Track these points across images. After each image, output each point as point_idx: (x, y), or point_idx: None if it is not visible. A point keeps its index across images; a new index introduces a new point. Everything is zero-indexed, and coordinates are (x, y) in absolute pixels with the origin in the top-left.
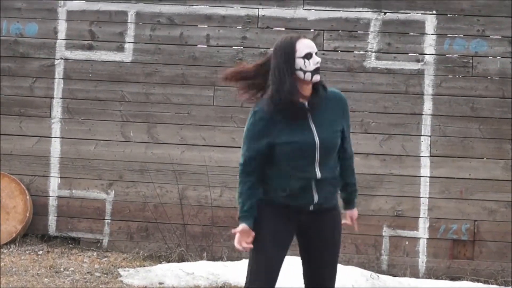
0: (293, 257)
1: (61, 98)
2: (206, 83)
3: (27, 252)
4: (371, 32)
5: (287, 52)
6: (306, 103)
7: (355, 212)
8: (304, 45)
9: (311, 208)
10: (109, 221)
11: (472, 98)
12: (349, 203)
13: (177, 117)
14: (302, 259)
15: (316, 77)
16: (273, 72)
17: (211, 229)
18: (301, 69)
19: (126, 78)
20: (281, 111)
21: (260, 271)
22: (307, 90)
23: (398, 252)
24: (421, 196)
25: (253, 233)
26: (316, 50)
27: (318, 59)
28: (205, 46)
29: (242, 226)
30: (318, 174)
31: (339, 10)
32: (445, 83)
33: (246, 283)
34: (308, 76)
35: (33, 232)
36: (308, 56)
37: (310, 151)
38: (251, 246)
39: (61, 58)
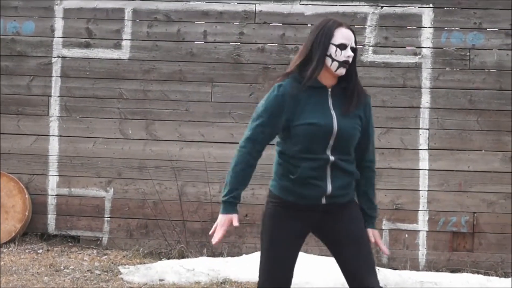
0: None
1: (58, 96)
2: (204, 79)
3: (26, 251)
4: (368, 26)
5: (324, 34)
6: (330, 90)
7: (376, 232)
8: (342, 34)
9: (323, 201)
10: (109, 218)
11: (470, 91)
12: (368, 221)
13: (175, 113)
14: (335, 258)
15: (341, 71)
16: (304, 49)
17: (211, 225)
18: (330, 56)
19: (123, 76)
20: (305, 91)
21: (270, 277)
22: (328, 80)
23: (398, 245)
24: (420, 189)
25: (233, 222)
26: (352, 44)
27: (350, 53)
28: (203, 42)
29: (227, 216)
30: (331, 158)
31: (336, 5)
32: (442, 76)
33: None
34: (334, 65)
35: (32, 231)
36: (342, 46)
37: (325, 135)
38: (220, 237)
39: (58, 56)
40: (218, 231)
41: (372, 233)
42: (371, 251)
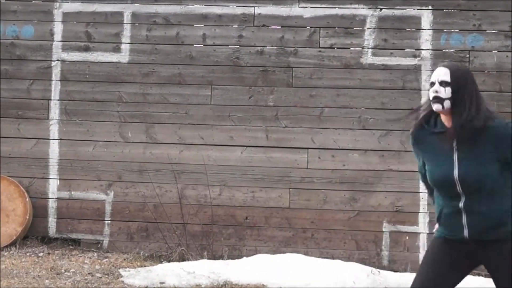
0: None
1: (58, 100)
2: (203, 82)
3: (27, 254)
4: (367, 28)
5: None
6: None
7: None
8: (434, 74)
9: (467, 238)
10: (109, 221)
11: None
12: None
13: (174, 116)
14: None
15: (435, 107)
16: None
17: (211, 228)
18: (429, 99)
19: (123, 79)
20: (431, 136)
21: None
22: (447, 120)
23: (399, 247)
24: (420, 191)
25: None
26: (440, 78)
27: (437, 88)
28: (202, 45)
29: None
30: (461, 204)
31: (335, 7)
32: None
33: None
34: (432, 105)
35: (33, 234)
36: (431, 85)
37: (448, 184)
38: None
39: (58, 60)
40: None
41: None
42: None
